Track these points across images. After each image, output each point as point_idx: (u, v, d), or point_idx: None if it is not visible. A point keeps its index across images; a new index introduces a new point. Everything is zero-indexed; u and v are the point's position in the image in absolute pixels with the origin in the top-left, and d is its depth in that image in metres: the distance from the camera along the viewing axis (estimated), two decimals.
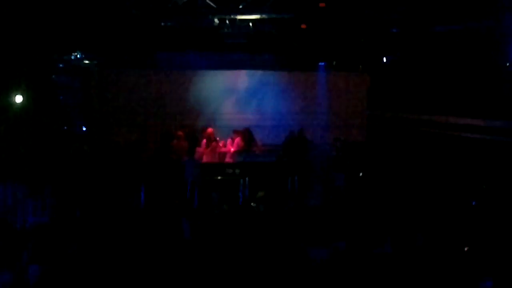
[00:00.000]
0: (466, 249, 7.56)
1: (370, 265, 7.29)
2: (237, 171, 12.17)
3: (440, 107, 12.86)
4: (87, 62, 14.24)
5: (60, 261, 7.55)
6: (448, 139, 12.53)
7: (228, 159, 13.02)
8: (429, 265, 7.30)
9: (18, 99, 12.32)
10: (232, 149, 13.21)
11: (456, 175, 11.24)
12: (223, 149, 13.20)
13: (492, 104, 11.62)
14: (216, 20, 11.58)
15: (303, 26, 12.28)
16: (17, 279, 7.01)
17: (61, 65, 13.81)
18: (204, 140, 12.96)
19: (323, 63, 14.79)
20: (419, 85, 13.23)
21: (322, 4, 11.25)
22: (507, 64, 11.01)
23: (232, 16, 11.58)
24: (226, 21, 11.89)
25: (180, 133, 13.00)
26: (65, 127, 13.94)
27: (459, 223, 8.95)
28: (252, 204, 10.78)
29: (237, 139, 13.22)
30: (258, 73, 14.85)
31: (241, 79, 14.88)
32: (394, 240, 8.11)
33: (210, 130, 13.05)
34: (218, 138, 13.13)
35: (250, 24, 11.99)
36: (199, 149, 12.88)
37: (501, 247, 7.64)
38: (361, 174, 12.45)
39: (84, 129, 14.23)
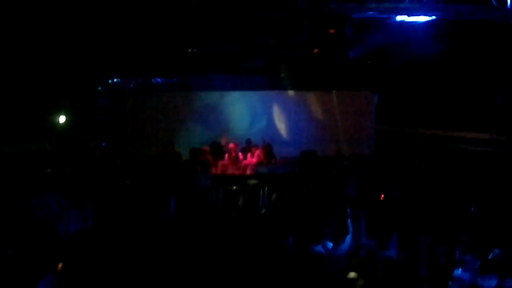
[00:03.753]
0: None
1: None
2: (256, 181, 12.29)
3: (444, 121, 12.85)
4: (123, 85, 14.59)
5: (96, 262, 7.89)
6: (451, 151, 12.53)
7: (249, 171, 13.15)
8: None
9: (62, 119, 12.83)
10: (253, 161, 13.32)
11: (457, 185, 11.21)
12: (245, 162, 13.32)
13: (494, 119, 11.55)
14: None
15: (315, 50, 12.54)
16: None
17: (100, 88, 14.30)
18: (227, 155, 13.20)
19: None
20: (423, 102, 13.21)
21: (331, 31, 11.55)
22: None
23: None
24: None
25: (206, 148, 13.26)
26: (103, 144, 14.35)
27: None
28: (262, 211, 10.97)
29: (258, 152, 13.41)
30: (274, 93, 15.00)
31: (260, 99, 15.00)
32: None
33: (232, 145, 13.25)
34: (240, 153, 13.32)
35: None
36: (223, 162, 13.11)
37: None
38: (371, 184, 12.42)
39: (120, 145, 14.48)
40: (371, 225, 9.71)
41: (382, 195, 11.74)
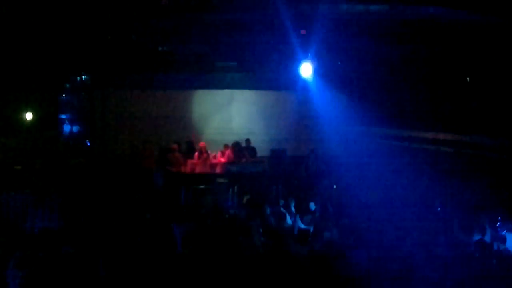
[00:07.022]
0: None
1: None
2: (226, 180, 12.13)
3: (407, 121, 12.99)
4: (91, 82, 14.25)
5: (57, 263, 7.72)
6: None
7: (218, 170, 13.03)
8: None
9: (28, 116, 12.51)
10: (223, 160, 13.24)
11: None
12: (215, 161, 13.21)
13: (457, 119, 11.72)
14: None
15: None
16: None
17: (67, 85, 13.98)
18: (197, 153, 13.01)
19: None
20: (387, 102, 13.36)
21: (303, 32, 11.55)
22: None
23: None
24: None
25: (175, 146, 13.00)
26: (71, 142, 14.01)
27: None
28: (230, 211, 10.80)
29: (228, 151, 13.30)
30: (245, 92, 14.87)
31: (230, 98, 14.88)
32: None
33: (202, 144, 13.09)
34: (209, 151, 13.14)
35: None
36: (192, 161, 12.92)
37: None
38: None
39: (88, 144, 14.23)
40: None
41: None
